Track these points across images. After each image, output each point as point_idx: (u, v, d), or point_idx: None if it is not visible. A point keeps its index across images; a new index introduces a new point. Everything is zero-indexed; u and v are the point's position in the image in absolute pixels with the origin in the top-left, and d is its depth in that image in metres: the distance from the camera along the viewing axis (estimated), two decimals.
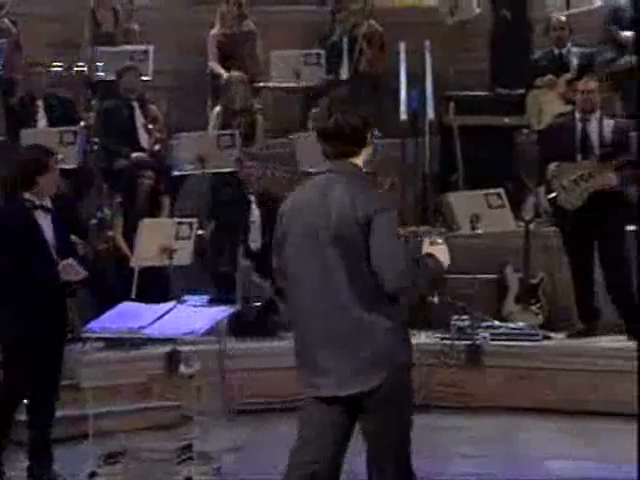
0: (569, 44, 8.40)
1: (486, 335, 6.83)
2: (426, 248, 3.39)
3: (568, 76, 8.13)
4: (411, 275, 3.31)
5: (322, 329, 3.34)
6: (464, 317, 6.83)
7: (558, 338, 6.97)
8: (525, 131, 8.31)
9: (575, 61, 8.30)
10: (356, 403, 3.38)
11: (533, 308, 7.18)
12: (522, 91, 8.40)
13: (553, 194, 6.99)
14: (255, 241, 7.21)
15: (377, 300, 3.33)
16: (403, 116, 8.21)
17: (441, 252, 3.33)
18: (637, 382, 5.43)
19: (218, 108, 8.30)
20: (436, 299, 6.78)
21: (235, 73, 8.28)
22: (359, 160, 3.49)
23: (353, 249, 3.33)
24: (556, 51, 8.40)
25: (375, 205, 3.39)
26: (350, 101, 3.56)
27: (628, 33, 8.46)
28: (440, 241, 3.33)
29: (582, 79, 7.25)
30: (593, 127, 6.95)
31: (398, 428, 3.40)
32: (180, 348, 6.30)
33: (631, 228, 7.06)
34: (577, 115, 7.02)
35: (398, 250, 3.33)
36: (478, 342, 6.74)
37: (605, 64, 8.38)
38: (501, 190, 7.07)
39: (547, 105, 8.08)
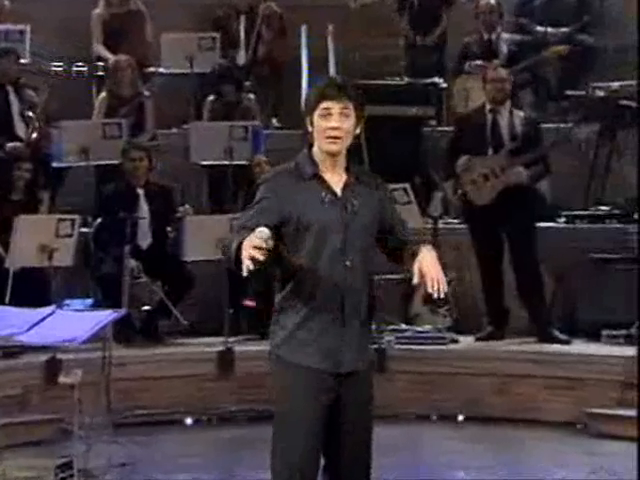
0: (499, 29, 8.60)
1: (391, 339, 6.96)
2: None
3: (497, 62, 8.30)
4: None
5: None
6: None
7: (466, 341, 7.13)
8: (433, 122, 8.48)
9: (505, 48, 8.51)
10: None
11: (441, 310, 7.33)
12: (431, 80, 8.56)
13: (462, 189, 7.15)
14: (144, 239, 7.20)
15: None
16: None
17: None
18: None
19: (103, 94, 8.23)
20: None
21: (122, 57, 8.22)
22: (315, 145, 3.58)
23: None
24: (485, 36, 8.60)
25: None
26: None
27: (541, 28, 8.69)
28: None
29: (491, 67, 7.41)
30: (503, 119, 7.12)
31: (275, 415, 3.54)
32: (60, 356, 6.26)
33: (542, 225, 7.29)
34: (487, 106, 7.19)
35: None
36: (383, 346, 6.86)
37: (514, 52, 8.61)
38: (407, 185, 7.20)
39: (474, 92, 8.23)
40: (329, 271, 3.47)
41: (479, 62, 8.39)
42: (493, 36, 8.57)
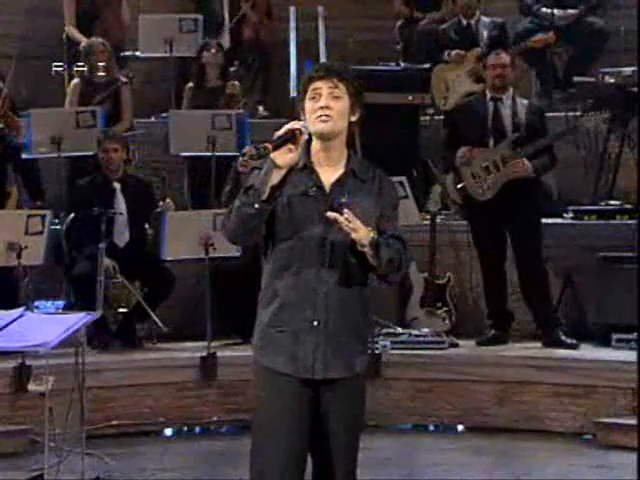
0: (478, 13, 8.60)
1: (386, 343, 6.97)
2: None
3: (478, 50, 8.32)
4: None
5: None
6: None
7: (467, 346, 7.14)
8: (431, 111, 8.49)
9: (485, 33, 8.51)
10: None
11: (439, 312, 7.36)
12: (428, 65, 8.57)
13: (462, 183, 7.17)
14: (121, 236, 7.20)
15: None
16: (294, 92, 8.28)
17: None
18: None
19: (76, 80, 8.23)
20: None
21: (97, 39, 8.22)
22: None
23: None
24: (464, 22, 8.59)
25: None
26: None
27: (548, 10, 8.68)
28: None
29: (493, 52, 7.41)
30: (506, 108, 7.14)
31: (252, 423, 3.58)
32: (29, 362, 6.24)
33: (547, 221, 7.30)
34: (488, 94, 7.21)
35: None
36: (377, 351, 6.87)
37: (520, 37, 8.61)
38: (403, 178, 7.21)
39: (454, 83, 8.28)
40: (303, 268, 3.50)
41: (457, 50, 8.37)
42: (472, 21, 8.56)
